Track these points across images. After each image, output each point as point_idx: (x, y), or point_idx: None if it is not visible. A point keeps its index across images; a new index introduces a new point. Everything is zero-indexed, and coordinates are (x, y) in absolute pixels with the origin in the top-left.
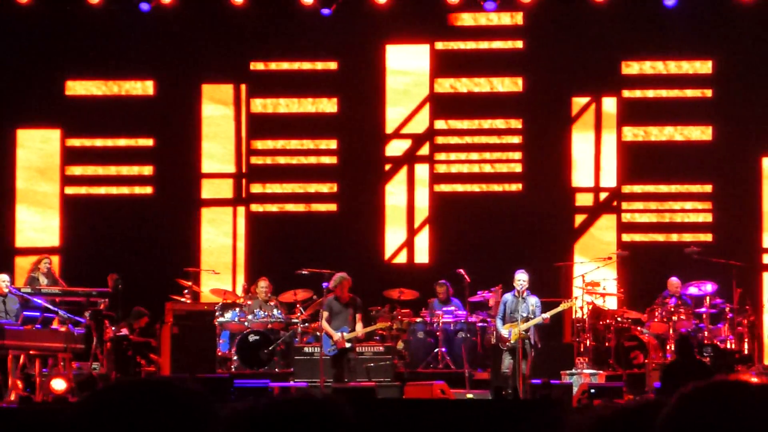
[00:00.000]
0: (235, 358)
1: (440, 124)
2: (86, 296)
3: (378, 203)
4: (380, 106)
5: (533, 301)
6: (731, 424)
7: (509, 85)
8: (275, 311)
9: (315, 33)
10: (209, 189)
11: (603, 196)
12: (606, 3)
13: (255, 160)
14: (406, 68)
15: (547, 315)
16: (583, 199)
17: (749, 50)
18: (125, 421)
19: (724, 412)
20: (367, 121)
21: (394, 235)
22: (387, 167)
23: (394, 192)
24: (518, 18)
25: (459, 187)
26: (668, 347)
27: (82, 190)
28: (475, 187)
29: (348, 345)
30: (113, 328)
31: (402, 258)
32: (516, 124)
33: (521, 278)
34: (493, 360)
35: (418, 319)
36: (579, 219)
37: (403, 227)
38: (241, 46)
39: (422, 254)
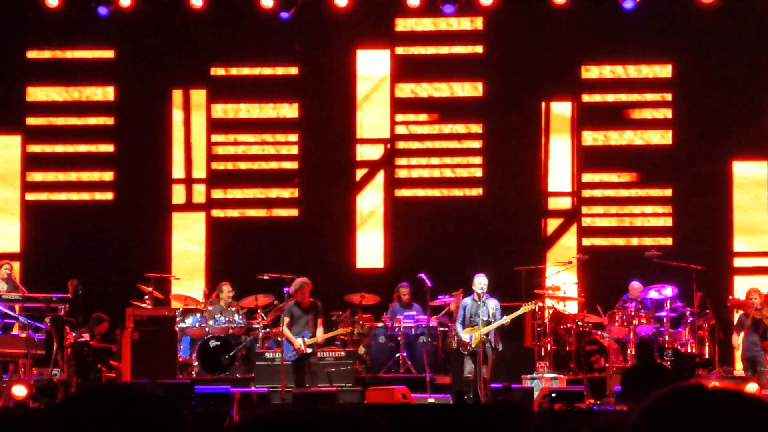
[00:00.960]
0: (196, 363)
1: (401, 129)
2: (46, 302)
3: (340, 208)
4: (341, 110)
5: (493, 304)
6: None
7: (470, 89)
8: (236, 316)
9: (275, 37)
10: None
11: (563, 200)
12: (565, 6)
13: (216, 165)
14: (367, 73)
15: (508, 318)
16: (544, 204)
17: (709, 53)
18: (92, 428)
19: (689, 420)
20: (328, 125)
21: (355, 240)
22: (349, 172)
23: (356, 196)
24: (478, 23)
25: (420, 192)
26: (629, 351)
27: (43, 196)
28: (436, 192)
29: (309, 350)
30: (74, 334)
31: (363, 262)
32: (476, 128)
33: (480, 282)
34: (453, 364)
35: (379, 324)
36: (540, 224)
37: (365, 232)
38: (201, 50)
39: (383, 259)
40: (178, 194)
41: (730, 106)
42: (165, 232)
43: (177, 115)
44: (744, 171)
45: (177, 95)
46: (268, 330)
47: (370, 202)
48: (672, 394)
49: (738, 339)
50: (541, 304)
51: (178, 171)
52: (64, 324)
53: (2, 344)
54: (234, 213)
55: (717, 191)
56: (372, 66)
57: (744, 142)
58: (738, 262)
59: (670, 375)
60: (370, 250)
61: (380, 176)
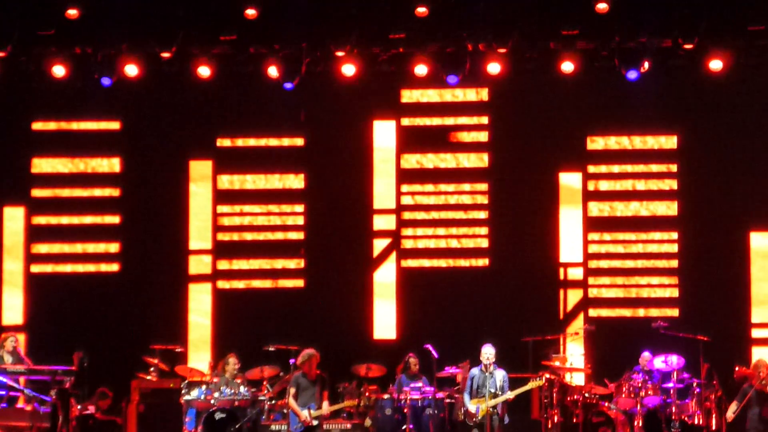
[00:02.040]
0: None
1: (407, 200)
2: (52, 374)
3: (346, 278)
4: (348, 180)
5: (500, 375)
6: None
7: (475, 160)
8: (242, 388)
9: (281, 107)
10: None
11: (570, 271)
12: (571, 77)
13: (222, 236)
14: (377, 144)
15: (512, 394)
16: (551, 274)
17: (715, 123)
18: None
19: None
20: (336, 195)
21: (363, 310)
22: (362, 242)
23: (364, 267)
24: (483, 94)
25: (426, 262)
26: (636, 423)
27: (48, 267)
28: (442, 262)
29: (315, 423)
30: (79, 407)
31: (371, 333)
32: (482, 199)
33: (488, 352)
34: None
35: (386, 396)
36: (547, 294)
37: (373, 302)
38: (206, 121)
39: (390, 330)
40: (195, 265)
41: (740, 177)
42: (177, 302)
43: (192, 186)
44: (761, 242)
45: (193, 166)
46: (273, 402)
47: (383, 273)
48: None
49: (732, 408)
50: (548, 376)
51: (195, 242)
52: (70, 396)
53: (8, 417)
54: (240, 284)
55: (729, 262)
56: (379, 136)
57: (761, 212)
58: (756, 333)
59: None
60: (382, 320)
61: (389, 246)
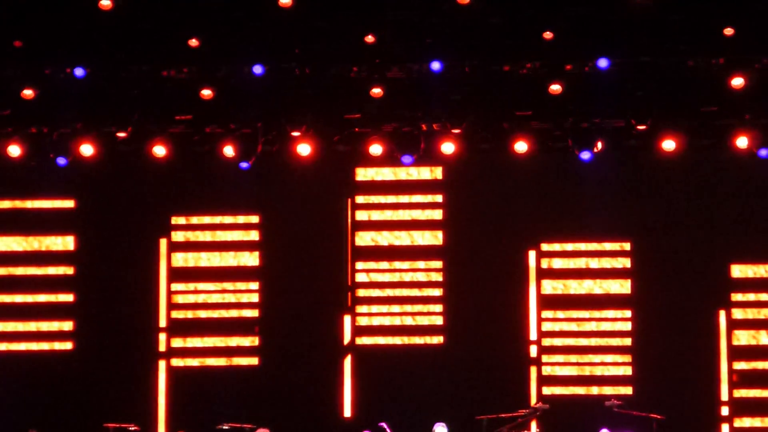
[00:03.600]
0: None
1: (361, 277)
2: None
3: (302, 354)
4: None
5: None
6: None
7: (430, 238)
8: None
9: (236, 187)
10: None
11: (524, 348)
12: (525, 157)
13: (176, 314)
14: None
15: None
16: (506, 351)
17: (666, 203)
18: None
19: None
20: (289, 273)
21: (317, 388)
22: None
23: (318, 343)
24: (438, 172)
25: (381, 340)
26: None
27: (2, 346)
28: (397, 339)
29: None
30: None
31: (326, 411)
32: (437, 276)
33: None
34: None
35: None
36: (498, 371)
37: (328, 379)
38: (161, 200)
39: (345, 408)
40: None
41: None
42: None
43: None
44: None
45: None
46: None
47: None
48: None
49: None
50: None
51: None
52: None
53: None
54: (194, 362)
55: (693, 338)
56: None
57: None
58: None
59: None
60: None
61: (344, 323)
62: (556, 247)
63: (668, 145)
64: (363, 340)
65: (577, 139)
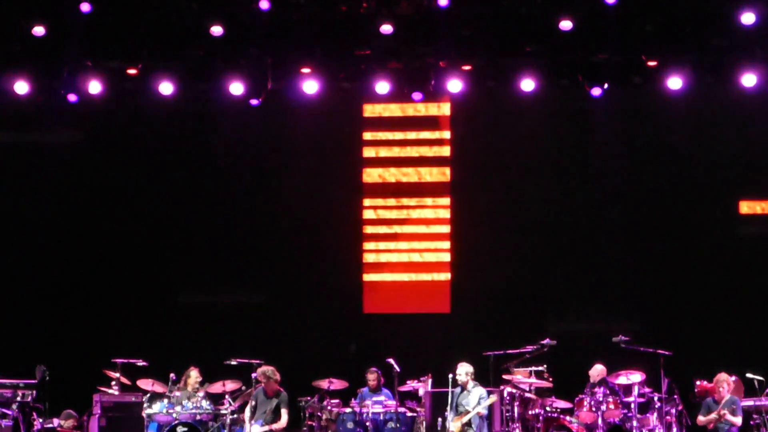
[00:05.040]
0: None
1: (369, 214)
2: (13, 388)
3: (308, 289)
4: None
5: (476, 393)
6: None
7: (437, 174)
8: (204, 402)
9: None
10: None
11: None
12: (533, 94)
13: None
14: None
15: (473, 411)
16: (521, 288)
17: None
18: None
19: None
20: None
21: (323, 322)
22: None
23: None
24: (445, 109)
25: (387, 276)
26: None
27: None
28: (404, 276)
29: None
30: (41, 421)
31: (331, 346)
32: (444, 213)
33: (460, 371)
34: None
35: (348, 410)
36: (507, 307)
37: (335, 314)
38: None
39: (354, 342)
40: None
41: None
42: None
43: None
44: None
45: None
46: (235, 416)
47: (335, 284)
48: None
49: (705, 418)
50: (510, 390)
51: None
52: (32, 410)
53: None
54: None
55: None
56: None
57: None
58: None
59: None
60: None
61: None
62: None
63: (675, 82)
64: (371, 277)
65: (587, 75)
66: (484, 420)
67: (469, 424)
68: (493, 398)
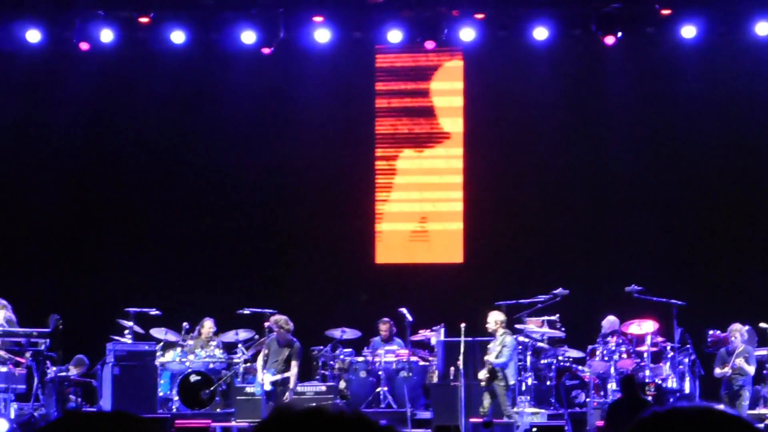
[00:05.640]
0: (176, 398)
1: (381, 164)
2: (27, 336)
3: (320, 239)
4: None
5: (500, 340)
6: None
7: (450, 125)
8: (217, 351)
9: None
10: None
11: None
12: (546, 44)
13: None
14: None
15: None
16: (533, 237)
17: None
18: None
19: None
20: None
21: (336, 272)
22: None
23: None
24: (457, 58)
25: (400, 226)
26: (609, 386)
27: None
28: (416, 226)
29: (269, 387)
30: (54, 369)
31: (344, 296)
32: (457, 163)
33: (489, 319)
34: (434, 399)
35: (360, 358)
36: (518, 256)
37: (348, 264)
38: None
39: (368, 294)
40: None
41: None
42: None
43: None
44: None
45: None
46: (248, 365)
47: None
48: (654, 418)
49: (721, 371)
50: (523, 339)
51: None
52: (45, 359)
53: None
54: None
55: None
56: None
57: None
58: None
59: None
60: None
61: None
62: None
63: (688, 31)
64: (383, 227)
65: (601, 25)
66: (508, 367)
67: (496, 371)
68: (507, 350)
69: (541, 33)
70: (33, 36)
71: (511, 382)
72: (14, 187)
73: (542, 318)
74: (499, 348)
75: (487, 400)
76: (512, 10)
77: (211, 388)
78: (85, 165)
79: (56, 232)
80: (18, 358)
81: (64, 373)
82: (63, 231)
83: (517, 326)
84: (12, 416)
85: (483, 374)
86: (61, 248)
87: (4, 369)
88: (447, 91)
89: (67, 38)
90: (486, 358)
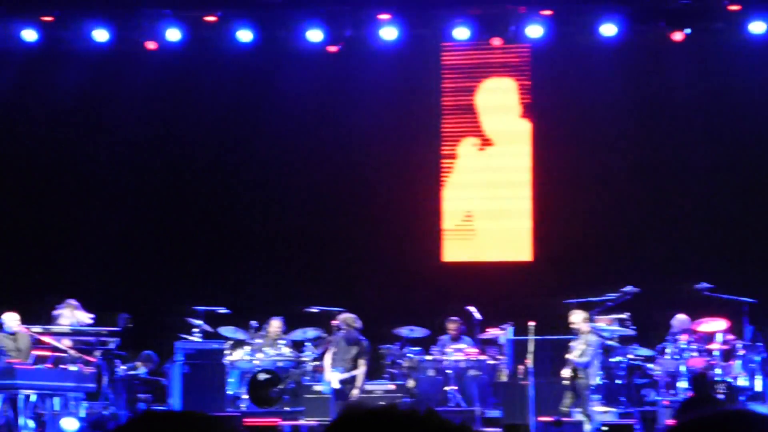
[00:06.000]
0: (245, 397)
1: (448, 161)
2: (96, 335)
3: (388, 237)
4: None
5: (584, 339)
6: None
7: (517, 122)
8: (285, 349)
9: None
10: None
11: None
12: (614, 40)
13: None
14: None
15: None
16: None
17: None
18: None
19: None
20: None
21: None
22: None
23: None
24: (524, 55)
25: (466, 224)
26: (679, 384)
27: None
28: (484, 224)
29: (338, 386)
30: (124, 368)
31: (412, 294)
32: (525, 160)
33: (572, 318)
34: (503, 398)
35: (428, 357)
36: (587, 256)
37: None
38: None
39: (434, 291)
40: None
41: None
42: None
43: None
44: None
45: None
46: (316, 363)
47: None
48: (716, 417)
49: None
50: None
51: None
52: (115, 358)
53: (53, 377)
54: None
55: None
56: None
57: None
58: None
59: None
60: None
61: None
62: None
63: (757, 26)
64: (449, 225)
65: (669, 20)
66: (591, 366)
67: (579, 369)
68: (591, 350)
69: (609, 29)
70: (101, 35)
71: (595, 381)
72: (83, 186)
73: (612, 316)
74: (584, 347)
75: (568, 399)
76: (580, 5)
77: (280, 387)
78: (153, 164)
79: (125, 231)
80: (88, 357)
81: (133, 372)
82: (132, 230)
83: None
84: (82, 415)
85: (566, 372)
86: (131, 246)
87: (74, 368)
88: (513, 88)
89: (133, 38)
90: (568, 356)
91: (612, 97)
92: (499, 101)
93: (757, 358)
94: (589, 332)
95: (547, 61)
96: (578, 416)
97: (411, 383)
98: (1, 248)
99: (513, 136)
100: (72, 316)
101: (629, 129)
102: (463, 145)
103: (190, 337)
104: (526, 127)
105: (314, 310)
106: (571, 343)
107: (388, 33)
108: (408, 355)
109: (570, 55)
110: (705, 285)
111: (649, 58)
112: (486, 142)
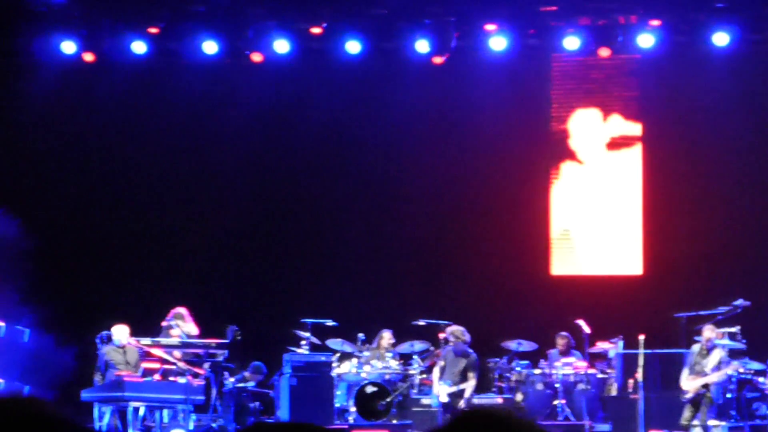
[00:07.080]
0: (352, 409)
1: (556, 173)
2: (205, 347)
3: (496, 250)
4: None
5: (717, 355)
6: None
7: (626, 131)
8: (393, 362)
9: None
10: None
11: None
12: (725, 51)
13: None
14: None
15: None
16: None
17: None
18: None
19: None
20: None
21: (511, 283)
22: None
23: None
24: (634, 64)
25: (576, 236)
26: None
27: None
28: (594, 236)
29: (446, 399)
30: (232, 380)
31: (520, 308)
32: (636, 173)
33: (705, 334)
34: (612, 412)
35: (537, 371)
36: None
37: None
38: None
39: (543, 304)
40: None
41: None
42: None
43: None
44: None
45: None
46: (424, 376)
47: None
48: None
49: None
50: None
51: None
52: (223, 370)
53: (162, 390)
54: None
55: None
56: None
57: None
58: None
59: None
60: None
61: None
62: None
63: None
64: (558, 237)
65: None
66: (722, 385)
67: (706, 386)
68: (736, 364)
69: (721, 38)
70: (210, 47)
71: (725, 396)
72: (194, 197)
73: (723, 330)
74: (716, 363)
75: (688, 412)
76: (692, 15)
77: (388, 399)
78: (262, 175)
79: (234, 242)
80: (197, 369)
81: (241, 384)
82: (241, 241)
83: (697, 338)
84: (191, 427)
85: (694, 386)
86: (240, 259)
87: (183, 380)
88: (624, 98)
89: (241, 50)
90: (700, 371)
91: (724, 109)
92: (609, 111)
93: None
94: (720, 348)
95: (657, 70)
96: (695, 430)
97: (519, 397)
98: (114, 261)
99: (623, 146)
100: (185, 323)
101: (742, 141)
102: (572, 155)
103: (298, 350)
104: (636, 136)
105: (421, 323)
106: (700, 359)
107: (497, 43)
108: (516, 368)
109: (681, 64)
110: None
111: (761, 68)
112: (596, 153)
